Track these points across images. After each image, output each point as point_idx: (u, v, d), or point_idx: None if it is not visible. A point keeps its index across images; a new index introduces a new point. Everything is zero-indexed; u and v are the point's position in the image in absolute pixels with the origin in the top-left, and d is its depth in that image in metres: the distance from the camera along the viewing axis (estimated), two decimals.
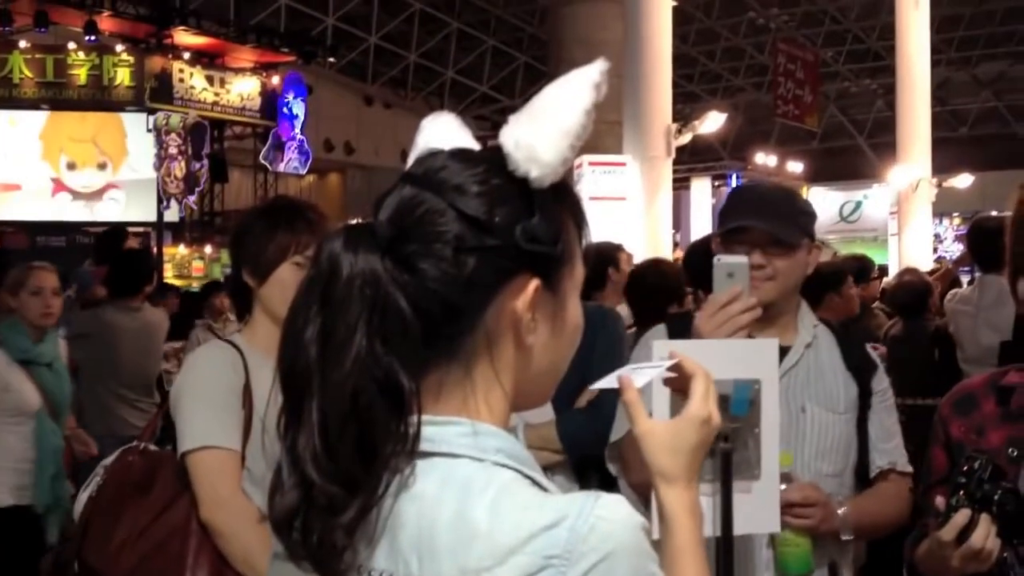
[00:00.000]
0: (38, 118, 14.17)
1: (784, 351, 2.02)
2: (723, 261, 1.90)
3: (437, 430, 0.97)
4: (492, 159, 1.01)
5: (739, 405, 1.67)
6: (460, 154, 1.02)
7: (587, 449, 2.34)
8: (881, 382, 2.09)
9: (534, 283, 0.99)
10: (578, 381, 2.45)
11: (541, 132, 0.99)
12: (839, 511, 1.97)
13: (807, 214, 2.08)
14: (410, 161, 1.05)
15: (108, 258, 5.44)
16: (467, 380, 0.99)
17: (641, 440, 1.13)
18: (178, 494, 2.07)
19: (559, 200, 1.02)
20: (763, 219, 1.99)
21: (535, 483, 0.97)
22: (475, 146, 1.05)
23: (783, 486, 1.84)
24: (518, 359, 1.01)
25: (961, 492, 1.62)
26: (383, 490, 0.94)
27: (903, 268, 7.64)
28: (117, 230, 7.09)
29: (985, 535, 1.59)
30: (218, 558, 2.03)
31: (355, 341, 0.93)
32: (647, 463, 1.13)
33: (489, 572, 0.90)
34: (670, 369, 1.20)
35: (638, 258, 5.22)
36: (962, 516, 1.60)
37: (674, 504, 1.10)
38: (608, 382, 1.19)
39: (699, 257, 3.46)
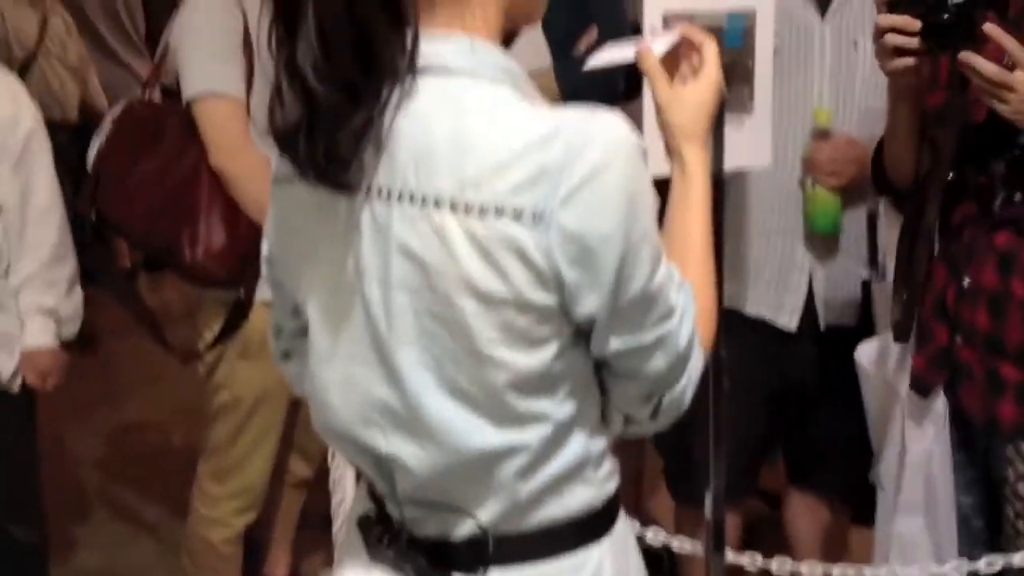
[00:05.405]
0: None
1: None
2: None
3: (435, 47, 0.95)
4: None
5: (733, 37, 1.64)
6: None
7: (587, 98, 2.19)
8: None
9: None
10: (575, 22, 2.33)
11: None
12: None
13: None
14: None
15: None
16: None
17: (667, 105, 1.16)
18: (187, 142, 2.11)
19: None
20: None
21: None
22: None
23: (820, 143, 1.85)
24: None
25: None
26: (385, 100, 0.92)
27: None
28: None
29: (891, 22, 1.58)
30: (230, 203, 2.09)
31: None
32: (670, 126, 1.16)
33: (487, 183, 0.91)
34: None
35: None
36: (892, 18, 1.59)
37: (696, 160, 1.14)
38: (620, 55, 1.21)
39: None
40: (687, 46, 1.20)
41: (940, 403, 1.76)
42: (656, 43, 1.19)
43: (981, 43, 1.56)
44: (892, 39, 1.60)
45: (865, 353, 1.90)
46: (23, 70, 4.08)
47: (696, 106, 1.16)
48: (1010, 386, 1.70)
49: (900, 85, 1.70)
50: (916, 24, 1.58)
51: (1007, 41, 1.53)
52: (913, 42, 1.59)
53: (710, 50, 1.18)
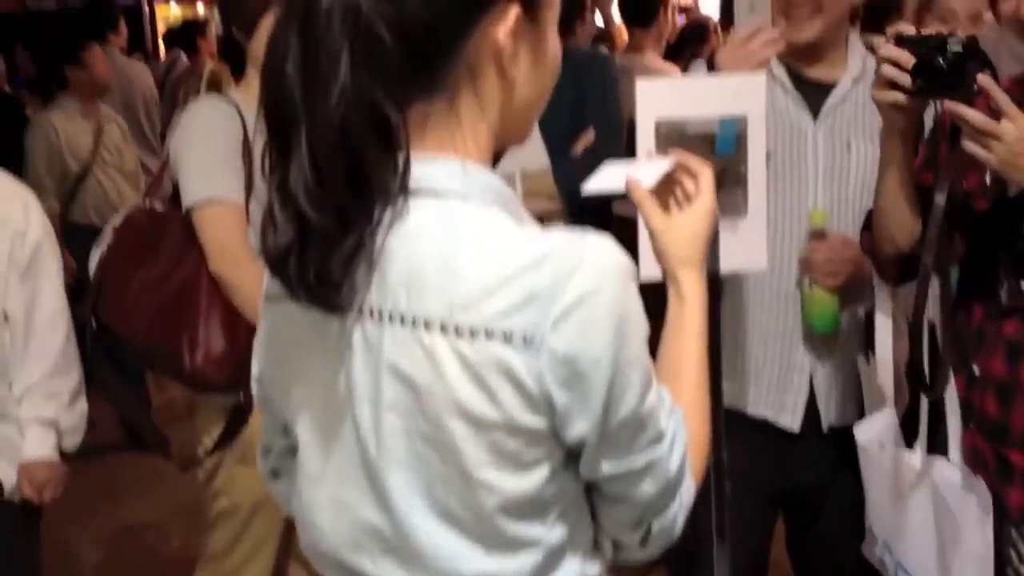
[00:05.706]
0: None
1: (830, 88, 1.98)
2: None
3: (426, 170, 0.95)
4: None
5: (725, 143, 1.64)
6: None
7: (586, 197, 2.16)
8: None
9: (515, 10, 0.97)
10: (572, 124, 2.31)
11: None
12: None
13: None
14: None
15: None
16: (452, 114, 0.98)
17: (660, 233, 1.18)
18: (186, 249, 2.12)
19: None
20: None
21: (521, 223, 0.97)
22: None
23: (815, 243, 1.88)
24: (502, 91, 1.00)
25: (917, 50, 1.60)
26: (376, 222, 0.92)
27: None
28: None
29: (890, 54, 1.60)
30: (230, 308, 2.09)
31: (339, 73, 0.90)
32: (665, 253, 1.18)
33: (476, 305, 0.91)
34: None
35: None
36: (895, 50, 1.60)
37: (693, 285, 1.16)
38: (614, 182, 1.21)
39: None
40: (681, 170, 1.22)
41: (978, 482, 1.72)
42: (647, 173, 1.20)
43: (972, 96, 1.58)
44: (887, 70, 1.62)
45: (865, 433, 1.87)
46: (79, 180, 4.18)
47: (691, 236, 1.17)
48: (1017, 472, 1.69)
49: (890, 121, 1.71)
50: (911, 60, 1.60)
51: (996, 92, 1.55)
52: (905, 78, 1.61)
53: (705, 178, 1.20)
